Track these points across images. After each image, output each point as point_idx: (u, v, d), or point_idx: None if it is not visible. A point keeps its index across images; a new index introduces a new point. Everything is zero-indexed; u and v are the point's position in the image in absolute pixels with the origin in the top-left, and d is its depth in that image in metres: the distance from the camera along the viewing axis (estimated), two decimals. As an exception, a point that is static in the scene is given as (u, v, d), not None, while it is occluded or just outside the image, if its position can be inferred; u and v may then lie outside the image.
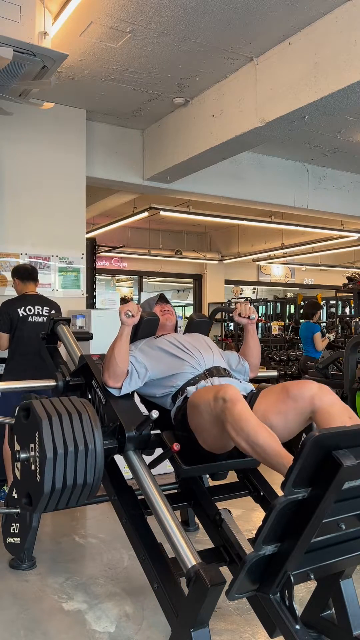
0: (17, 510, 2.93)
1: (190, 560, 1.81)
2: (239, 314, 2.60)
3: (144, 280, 13.02)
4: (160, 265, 12.24)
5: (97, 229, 9.06)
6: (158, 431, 2.38)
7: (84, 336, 3.43)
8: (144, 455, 2.29)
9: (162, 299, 2.88)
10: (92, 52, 3.84)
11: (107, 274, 12.86)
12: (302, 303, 11.09)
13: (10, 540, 2.95)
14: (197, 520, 3.16)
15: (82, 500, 1.98)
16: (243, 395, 2.25)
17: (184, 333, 2.85)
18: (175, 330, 2.83)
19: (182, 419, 2.27)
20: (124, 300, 11.58)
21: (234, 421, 1.90)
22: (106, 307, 4.56)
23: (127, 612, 2.41)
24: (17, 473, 2.02)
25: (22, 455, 1.95)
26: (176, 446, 2.08)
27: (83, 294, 4.97)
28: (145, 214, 7.56)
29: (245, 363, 2.70)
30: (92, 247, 6.38)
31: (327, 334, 6.87)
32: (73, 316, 4.43)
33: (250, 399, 2.26)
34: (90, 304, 5.53)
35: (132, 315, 2.33)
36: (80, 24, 3.47)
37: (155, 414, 2.08)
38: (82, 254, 4.95)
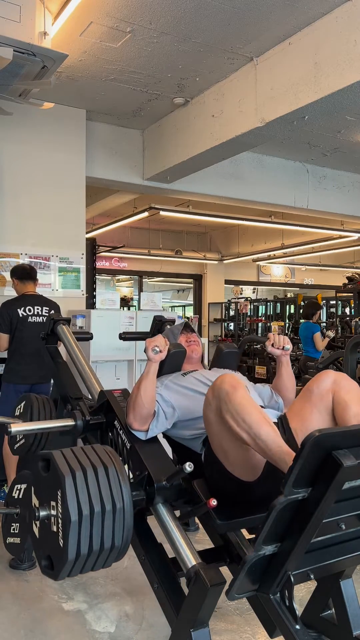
0: (17, 510, 2.92)
1: (190, 560, 1.81)
2: (272, 345, 2.41)
3: (144, 280, 13.02)
4: (160, 265, 12.24)
5: (97, 229, 9.06)
6: (188, 478, 2.11)
7: (84, 336, 3.43)
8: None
9: (187, 327, 2.69)
10: (92, 52, 3.84)
11: (107, 274, 12.86)
12: (302, 303, 11.10)
13: (10, 540, 2.94)
14: (197, 520, 3.16)
15: (109, 564, 1.79)
16: (274, 422, 2.10)
17: (210, 366, 2.69)
18: (202, 361, 2.67)
19: (209, 451, 2.06)
20: (125, 301, 11.61)
21: (234, 411, 1.79)
22: (106, 307, 4.56)
23: (127, 612, 2.41)
24: (35, 530, 1.82)
25: (42, 514, 1.73)
26: (213, 502, 1.79)
27: (83, 294, 4.97)
28: (145, 214, 7.56)
29: (280, 398, 2.48)
30: (92, 247, 6.38)
31: (327, 332, 6.87)
32: (73, 316, 4.43)
33: (282, 423, 2.08)
34: (90, 304, 5.54)
35: (160, 351, 2.13)
36: (80, 24, 3.47)
37: (189, 467, 1.82)
38: (82, 254, 4.95)
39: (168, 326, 3.38)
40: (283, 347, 2.39)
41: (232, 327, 12.52)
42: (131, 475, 2.09)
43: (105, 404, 2.39)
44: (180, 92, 4.52)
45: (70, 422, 2.40)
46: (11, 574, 2.79)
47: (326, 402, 2.01)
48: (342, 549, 1.73)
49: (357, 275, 9.59)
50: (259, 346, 11.01)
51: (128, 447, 2.16)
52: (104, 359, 4.34)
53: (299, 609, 1.64)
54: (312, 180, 6.40)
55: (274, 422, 2.00)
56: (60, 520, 1.66)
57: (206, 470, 2.09)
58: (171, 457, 2.31)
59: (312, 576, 1.72)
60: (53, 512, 1.70)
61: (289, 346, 2.40)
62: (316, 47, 3.45)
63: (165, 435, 2.34)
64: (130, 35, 3.59)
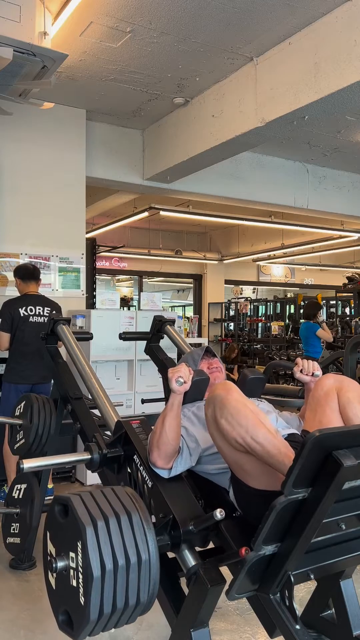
0: (17, 510, 2.93)
1: (190, 560, 1.81)
2: (301, 371, 2.27)
3: (144, 280, 13.02)
4: (160, 265, 12.24)
5: (97, 229, 9.06)
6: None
7: (84, 336, 3.43)
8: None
9: (208, 352, 2.54)
10: (92, 52, 3.84)
11: (107, 274, 12.86)
12: (302, 303, 11.11)
13: (10, 540, 2.95)
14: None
15: (132, 620, 1.61)
16: (296, 433, 2.05)
17: None
18: None
19: (237, 483, 1.90)
20: (125, 301, 11.60)
21: (228, 414, 1.70)
22: (106, 307, 4.57)
23: (127, 612, 2.41)
24: (52, 580, 1.67)
25: (60, 565, 1.58)
26: (245, 551, 1.60)
27: (83, 294, 4.97)
28: (145, 214, 7.56)
29: None
30: (92, 247, 6.38)
31: (320, 319, 6.83)
32: (73, 316, 4.43)
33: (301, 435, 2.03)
34: (90, 304, 5.54)
35: (185, 382, 1.96)
36: (80, 24, 3.47)
37: (220, 514, 1.66)
38: (82, 254, 4.95)
39: (168, 327, 3.37)
40: (313, 373, 2.26)
41: (232, 327, 12.53)
42: (153, 518, 1.92)
43: (122, 436, 2.23)
44: (180, 92, 4.52)
45: (86, 457, 2.22)
46: (11, 574, 2.79)
47: (334, 400, 1.98)
48: (342, 549, 1.73)
49: (357, 275, 9.60)
50: (259, 346, 11.01)
51: (149, 486, 2.01)
52: (104, 359, 4.35)
53: (299, 609, 1.64)
54: (312, 180, 6.40)
55: (291, 437, 1.97)
56: (80, 575, 1.51)
57: (238, 503, 1.95)
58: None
59: (312, 576, 1.72)
60: (72, 564, 1.55)
61: (319, 372, 2.25)
62: (316, 47, 3.45)
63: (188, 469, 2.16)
64: (130, 35, 3.59)
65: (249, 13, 3.37)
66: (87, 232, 6.87)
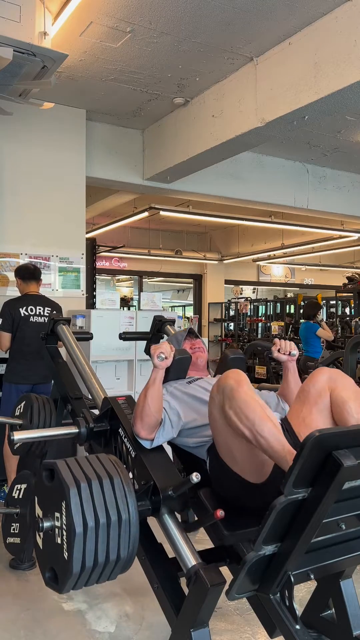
0: (17, 510, 2.93)
1: (190, 560, 1.81)
2: (278, 350, 2.37)
3: (144, 280, 13.02)
4: (160, 265, 12.24)
5: (97, 229, 9.06)
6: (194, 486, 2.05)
7: (84, 336, 3.43)
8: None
9: (191, 333, 2.67)
10: (92, 52, 3.84)
11: (107, 274, 12.86)
12: (302, 303, 11.10)
13: (10, 540, 2.95)
14: (197, 520, 3.16)
15: (114, 576, 1.76)
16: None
17: (215, 373, 2.65)
18: (208, 368, 2.63)
19: (215, 456, 2.02)
20: (125, 301, 11.60)
21: (237, 406, 1.75)
22: (106, 307, 4.57)
23: (127, 612, 2.41)
24: (39, 541, 1.79)
25: (46, 524, 1.70)
26: (220, 513, 1.74)
27: (83, 294, 4.97)
28: (145, 214, 7.56)
29: (286, 405, 2.42)
30: (92, 247, 6.38)
31: (319, 319, 6.83)
32: (73, 316, 4.43)
33: (285, 426, 2.05)
34: (90, 304, 5.54)
35: (166, 358, 2.09)
36: (80, 24, 3.47)
37: (196, 477, 1.77)
38: (82, 254, 4.95)
39: (168, 327, 3.38)
40: (289, 352, 2.36)
41: (232, 327, 12.53)
42: (136, 485, 2.05)
43: (109, 411, 2.36)
44: (180, 92, 4.52)
45: (73, 430, 2.37)
46: (11, 574, 2.79)
47: (324, 400, 1.99)
48: (342, 549, 1.73)
49: (357, 275, 9.60)
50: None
51: (133, 456, 2.13)
52: (104, 359, 4.34)
53: (299, 609, 1.64)
54: (312, 180, 6.40)
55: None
56: (64, 532, 1.63)
57: (212, 475, 2.06)
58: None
59: (312, 576, 1.72)
60: (57, 524, 1.66)
61: (296, 352, 2.36)
62: (316, 47, 3.45)
63: (170, 443, 2.30)
64: (130, 35, 3.59)
65: (249, 13, 3.37)
66: (87, 232, 6.87)
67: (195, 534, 3.21)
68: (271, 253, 11.38)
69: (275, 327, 10.64)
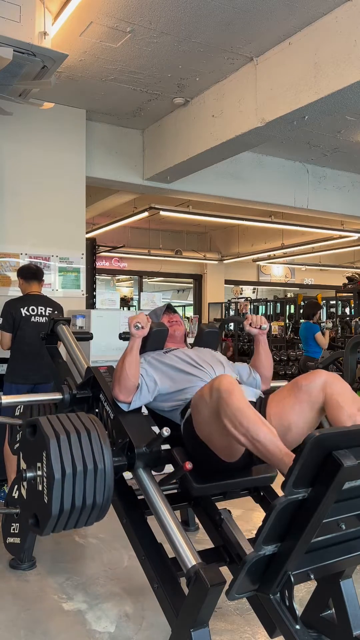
0: (17, 510, 2.92)
1: (190, 560, 1.81)
2: (250, 324, 2.55)
3: (144, 280, 13.02)
4: (160, 265, 12.24)
5: (97, 229, 9.06)
6: (167, 446, 2.27)
7: (84, 336, 3.43)
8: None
9: (169, 308, 2.82)
10: (92, 52, 3.84)
11: (107, 274, 12.86)
12: (302, 303, 11.10)
13: (10, 540, 2.95)
14: (197, 520, 3.16)
15: (91, 522, 1.91)
16: (252, 401, 2.21)
17: (192, 345, 2.79)
18: (185, 341, 2.77)
19: (190, 427, 2.18)
20: (125, 301, 11.61)
21: (231, 414, 1.83)
22: (106, 307, 4.57)
23: (127, 612, 2.41)
24: (23, 492, 1.95)
25: (29, 475, 1.86)
26: (188, 465, 1.94)
27: (83, 294, 4.97)
28: (145, 214, 7.56)
29: (257, 375, 2.62)
30: (92, 247, 6.38)
31: (325, 326, 6.83)
32: (73, 316, 4.43)
33: (260, 404, 2.20)
34: (90, 304, 5.53)
35: (142, 327, 2.27)
36: (80, 24, 3.47)
37: (166, 431, 1.98)
38: (82, 254, 4.95)
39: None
40: (260, 326, 2.55)
41: (232, 327, 12.52)
42: (114, 443, 2.20)
43: (91, 379, 2.52)
44: (180, 92, 4.52)
45: (58, 396, 2.54)
46: (11, 574, 2.79)
47: (313, 400, 2.06)
48: (342, 549, 1.73)
49: (357, 275, 9.60)
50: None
51: (112, 418, 2.30)
52: (104, 359, 4.34)
53: (299, 609, 1.64)
54: (312, 180, 6.40)
55: (252, 402, 2.15)
56: (45, 480, 1.79)
57: (186, 443, 2.23)
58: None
59: (312, 576, 1.72)
60: (39, 473, 1.83)
61: (266, 325, 2.56)
62: (316, 47, 3.45)
63: (147, 407, 2.50)
64: (130, 35, 3.59)
65: (249, 13, 3.37)
66: (87, 232, 6.87)
67: (195, 534, 3.21)
68: (271, 253, 11.38)
69: (275, 327, 10.63)
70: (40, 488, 1.82)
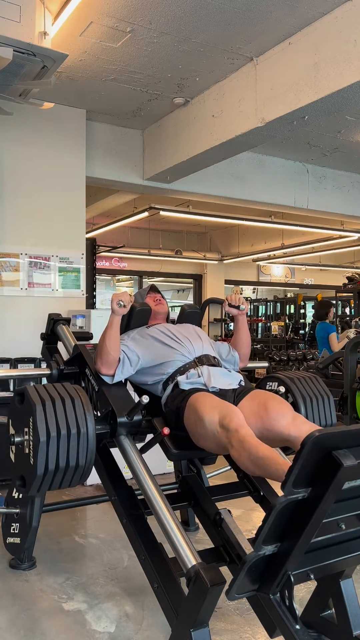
0: (17, 510, 2.92)
1: (190, 560, 1.81)
2: (229, 304, 2.66)
3: (144, 280, 13.01)
4: (160, 265, 12.24)
5: (97, 229, 9.06)
6: (149, 418, 2.44)
7: (84, 336, 3.42)
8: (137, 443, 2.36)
9: (153, 289, 2.95)
10: (92, 52, 3.84)
11: (107, 274, 12.85)
12: (302, 303, 11.10)
13: (10, 540, 2.95)
14: (197, 520, 3.16)
15: (75, 482, 2.04)
16: (233, 389, 2.40)
17: (175, 323, 2.90)
18: (167, 320, 2.90)
19: (177, 414, 2.31)
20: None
21: (239, 446, 1.95)
22: (106, 307, 4.56)
23: (127, 612, 2.41)
24: (12, 456, 2.09)
25: (17, 439, 2.01)
26: (166, 430, 2.15)
27: (83, 294, 4.97)
28: (145, 214, 7.55)
29: (235, 353, 2.76)
30: (92, 247, 6.38)
31: (347, 333, 6.67)
32: (73, 316, 4.43)
33: (238, 395, 2.33)
34: (90, 304, 5.54)
35: (124, 306, 2.40)
36: (80, 24, 3.47)
37: (145, 399, 2.13)
38: (82, 254, 4.95)
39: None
40: (238, 306, 2.65)
41: (232, 327, 12.51)
42: (99, 414, 2.36)
43: (78, 356, 2.65)
44: (180, 92, 4.52)
45: (46, 372, 2.72)
46: (11, 574, 2.79)
47: (277, 432, 2.15)
48: (342, 549, 1.73)
49: (357, 275, 9.60)
50: (259, 346, 11.01)
51: (96, 390, 2.44)
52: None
53: (299, 609, 1.64)
54: (312, 180, 6.40)
55: (233, 390, 2.37)
56: (31, 443, 1.93)
57: (167, 417, 2.38)
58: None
59: (312, 576, 1.72)
60: (26, 437, 1.97)
61: (244, 306, 2.66)
62: (316, 47, 3.45)
63: (130, 382, 2.67)
64: (130, 35, 3.59)
65: (249, 13, 3.37)
66: (87, 232, 6.87)
67: (195, 534, 3.21)
68: (271, 253, 11.37)
69: (275, 327, 10.64)
70: (27, 451, 1.96)
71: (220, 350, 2.74)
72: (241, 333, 2.78)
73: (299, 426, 2.10)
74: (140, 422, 2.30)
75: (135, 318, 2.72)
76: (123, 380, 2.53)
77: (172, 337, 2.57)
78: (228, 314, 2.76)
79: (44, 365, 4.42)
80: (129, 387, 2.70)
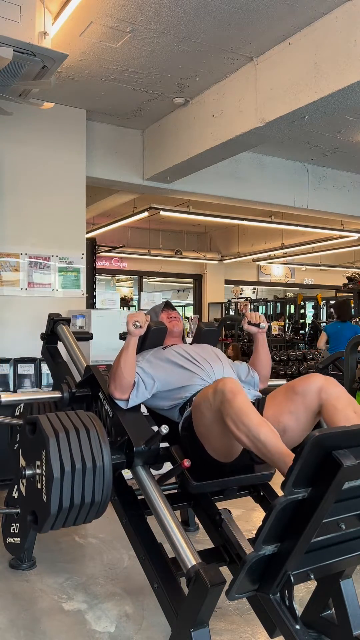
0: (17, 510, 2.92)
1: (190, 560, 1.81)
2: (248, 322, 2.53)
3: (144, 280, 13.02)
4: (160, 265, 12.24)
5: (97, 229, 9.06)
6: (166, 444, 2.31)
7: (84, 336, 3.43)
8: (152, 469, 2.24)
9: (168, 305, 2.82)
10: (92, 52, 3.84)
11: (107, 274, 12.86)
12: (302, 303, 11.10)
13: (10, 540, 2.95)
14: (197, 520, 3.16)
15: (90, 519, 1.92)
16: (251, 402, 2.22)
17: (191, 343, 2.78)
18: (183, 338, 2.76)
19: (189, 426, 2.20)
20: (125, 301, 11.59)
21: (234, 415, 1.85)
22: (106, 307, 4.56)
23: (127, 612, 2.41)
24: (22, 489, 1.96)
25: (28, 472, 1.88)
26: (186, 462, 1.95)
27: (83, 294, 4.97)
28: (145, 214, 7.56)
29: (255, 374, 2.61)
30: (92, 247, 6.38)
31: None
32: (73, 316, 4.43)
33: (258, 404, 2.21)
34: (90, 304, 5.54)
35: (140, 326, 2.27)
36: (80, 24, 3.47)
37: (165, 429, 1.98)
38: (82, 254, 4.95)
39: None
40: (259, 324, 2.52)
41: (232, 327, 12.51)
42: (113, 441, 2.20)
43: (90, 378, 2.53)
44: (180, 92, 4.52)
45: (57, 394, 2.55)
46: (11, 574, 2.79)
47: (307, 404, 2.06)
48: (342, 549, 1.73)
49: (357, 275, 9.60)
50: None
51: (111, 415, 2.30)
52: (104, 359, 4.34)
53: (299, 609, 1.64)
54: (312, 180, 6.40)
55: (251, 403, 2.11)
56: (44, 478, 1.80)
57: (184, 441, 2.23)
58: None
59: (312, 576, 1.72)
60: (38, 471, 1.84)
61: (265, 324, 2.53)
62: (316, 47, 3.45)
63: (145, 406, 2.49)
64: (130, 35, 3.59)
65: (249, 13, 3.37)
66: (87, 232, 6.87)
67: (195, 534, 3.21)
68: (271, 253, 11.38)
69: (275, 327, 10.63)
70: (39, 486, 1.83)
71: (239, 372, 2.58)
72: (261, 353, 2.61)
73: (330, 387, 2.04)
74: (158, 451, 2.15)
75: (150, 338, 2.53)
76: (138, 405, 2.40)
77: (191, 359, 2.43)
78: (247, 332, 2.58)
79: (44, 365, 4.43)
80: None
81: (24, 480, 1.93)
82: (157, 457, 2.18)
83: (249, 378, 2.58)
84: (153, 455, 2.14)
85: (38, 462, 1.84)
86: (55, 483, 1.75)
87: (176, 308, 2.86)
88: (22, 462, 1.95)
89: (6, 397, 2.51)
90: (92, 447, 1.85)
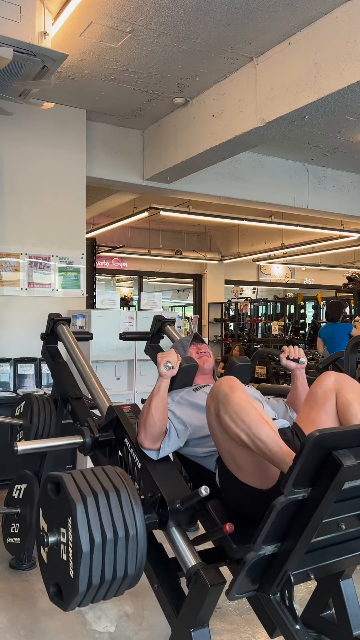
0: (17, 510, 2.93)
1: (190, 560, 1.81)
2: (287, 357, 2.34)
3: (144, 280, 13.02)
4: (160, 265, 12.24)
5: (97, 229, 9.06)
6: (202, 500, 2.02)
7: (84, 336, 3.43)
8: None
9: (196, 338, 2.62)
10: (92, 52, 3.84)
11: (107, 274, 12.86)
12: (302, 303, 11.11)
13: (10, 540, 2.95)
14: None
15: (121, 592, 1.69)
16: (282, 428, 2.05)
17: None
18: (214, 375, 2.56)
19: (225, 473, 1.95)
20: (125, 301, 11.58)
21: (232, 411, 1.74)
22: (106, 307, 4.56)
23: (127, 612, 2.41)
24: (44, 555, 1.73)
25: (51, 539, 1.65)
26: (229, 527, 1.67)
27: (83, 294, 4.97)
28: (145, 214, 7.56)
29: (294, 414, 2.38)
30: (92, 247, 6.38)
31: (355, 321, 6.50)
32: (73, 316, 4.43)
33: (294, 431, 2.06)
34: (90, 304, 5.54)
35: (172, 367, 2.05)
36: (80, 24, 3.47)
37: (205, 491, 1.72)
38: (82, 254, 4.95)
39: (168, 327, 3.37)
40: (298, 359, 2.33)
41: (232, 327, 12.52)
42: (142, 496, 1.97)
43: (114, 420, 2.30)
44: (180, 92, 4.51)
45: (78, 440, 2.31)
46: (11, 574, 2.79)
47: (331, 402, 2.00)
48: (342, 549, 1.73)
49: (357, 275, 9.60)
50: (259, 346, 11.01)
51: (139, 467, 2.07)
52: (104, 359, 4.34)
53: (299, 609, 1.64)
54: (312, 180, 6.40)
55: (283, 429, 2.00)
56: (70, 550, 1.57)
57: (221, 486, 2.01)
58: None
59: (312, 576, 1.72)
60: (63, 540, 1.61)
61: (304, 359, 2.32)
62: (316, 47, 3.45)
63: (177, 452, 2.24)
64: (130, 35, 3.59)
65: (249, 13, 3.37)
66: (87, 232, 6.87)
67: (195, 534, 3.20)
68: (271, 253, 11.38)
69: (275, 327, 10.64)
70: (64, 557, 1.60)
71: (277, 411, 2.37)
72: (300, 391, 2.37)
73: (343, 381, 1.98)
74: (194, 510, 1.91)
75: (180, 376, 2.24)
76: None
77: None
78: (285, 367, 2.35)
79: (44, 365, 4.43)
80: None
81: (45, 547, 1.70)
82: (193, 517, 1.96)
83: (287, 418, 2.37)
84: (188, 515, 1.92)
85: (63, 530, 1.61)
86: (85, 558, 1.53)
87: (204, 340, 2.66)
88: (43, 525, 1.72)
89: (22, 446, 2.31)
90: (123, 513, 1.62)
